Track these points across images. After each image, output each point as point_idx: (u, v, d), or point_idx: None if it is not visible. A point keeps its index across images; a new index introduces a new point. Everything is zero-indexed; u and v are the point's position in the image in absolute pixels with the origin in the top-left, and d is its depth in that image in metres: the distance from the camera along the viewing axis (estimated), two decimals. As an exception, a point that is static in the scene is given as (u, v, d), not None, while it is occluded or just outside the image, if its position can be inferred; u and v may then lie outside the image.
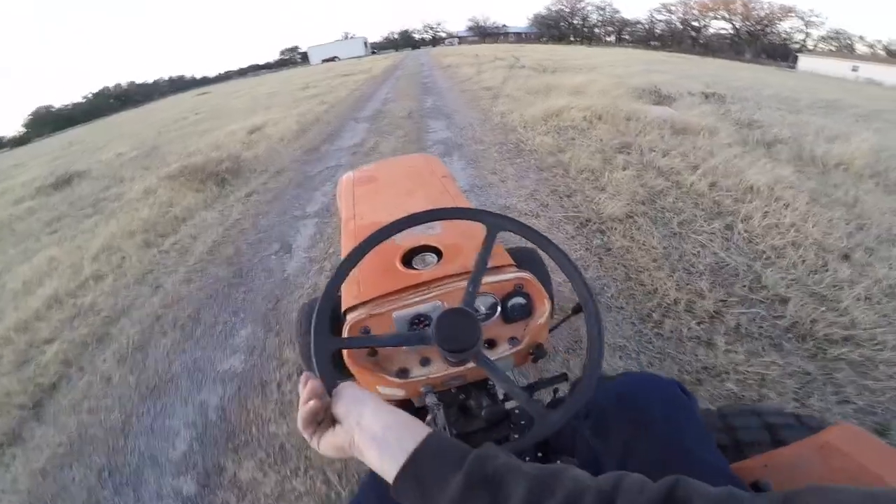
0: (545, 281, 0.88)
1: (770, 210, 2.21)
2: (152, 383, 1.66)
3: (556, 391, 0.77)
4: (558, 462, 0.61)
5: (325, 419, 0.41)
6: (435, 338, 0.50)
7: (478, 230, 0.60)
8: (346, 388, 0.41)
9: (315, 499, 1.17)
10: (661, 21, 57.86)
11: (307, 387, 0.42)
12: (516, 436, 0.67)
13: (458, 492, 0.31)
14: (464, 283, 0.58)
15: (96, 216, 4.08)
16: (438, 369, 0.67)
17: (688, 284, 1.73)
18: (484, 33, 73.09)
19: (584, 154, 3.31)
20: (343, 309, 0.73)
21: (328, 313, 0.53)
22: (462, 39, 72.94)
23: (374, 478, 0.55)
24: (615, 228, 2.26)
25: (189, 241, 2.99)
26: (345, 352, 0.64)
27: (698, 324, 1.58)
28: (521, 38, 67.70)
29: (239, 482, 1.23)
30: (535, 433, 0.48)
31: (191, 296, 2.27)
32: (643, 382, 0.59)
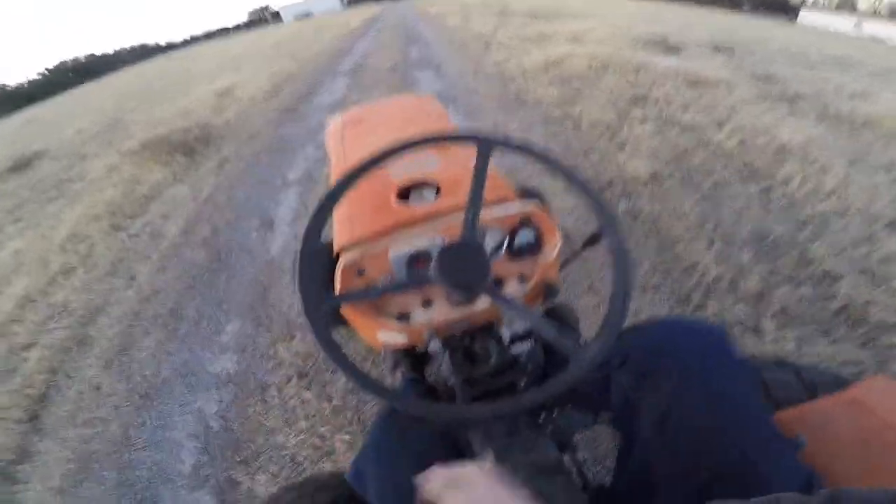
0: None
1: (808, 173, 2.03)
2: (143, 390, 1.56)
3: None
4: (591, 416, 0.59)
5: None
6: (438, 276, 0.45)
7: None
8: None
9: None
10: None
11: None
12: (522, 383, 0.64)
13: None
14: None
15: (60, 199, 3.80)
16: (442, 312, 0.63)
17: (729, 258, 1.58)
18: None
19: (595, 107, 3.06)
20: (335, 251, 0.67)
21: (311, 266, 0.47)
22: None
23: (387, 416, 0.55)
24: (641, 191, 2.06)
25: (160, 221, 2.72)
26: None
27: (743, 305, 1.43)
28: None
29: (256, 497, 1.17)
30: (571, 373, 0.43)
31: (168, 287, 2.08)
32: (689, 329, 0.53)
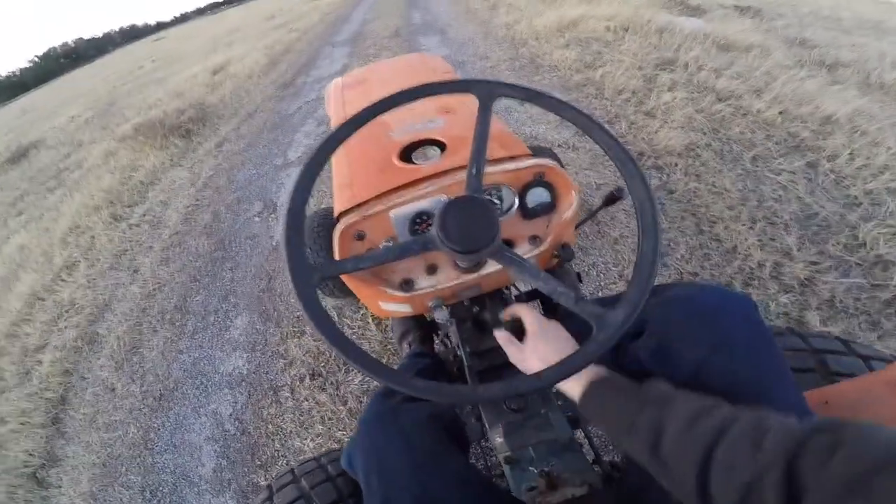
0: None
1: (858, 147, 1.84)
2: (157, 392, 1.55)
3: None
4: None
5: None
6: (441, 237, 0.40)
7: None
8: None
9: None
10: None
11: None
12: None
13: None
14: None
15: (59, 189, 3.83)
16: (448, 278, 0.59)
17: (772, 240, 1.46)
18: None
19: (619, 71, 2.84)
20: (335, 215, 0.63)
21: (299, 230, 0.41)
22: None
23: (382, 396, 0.53)
24: (675, 164, 1.88)
25: (160, 209, 2.65)
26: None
27: (787, 294, 1.30)
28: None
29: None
30: (597, 343, 0.37)
31: (173, 280, 2.02)
32: (719, 296, 0.48)
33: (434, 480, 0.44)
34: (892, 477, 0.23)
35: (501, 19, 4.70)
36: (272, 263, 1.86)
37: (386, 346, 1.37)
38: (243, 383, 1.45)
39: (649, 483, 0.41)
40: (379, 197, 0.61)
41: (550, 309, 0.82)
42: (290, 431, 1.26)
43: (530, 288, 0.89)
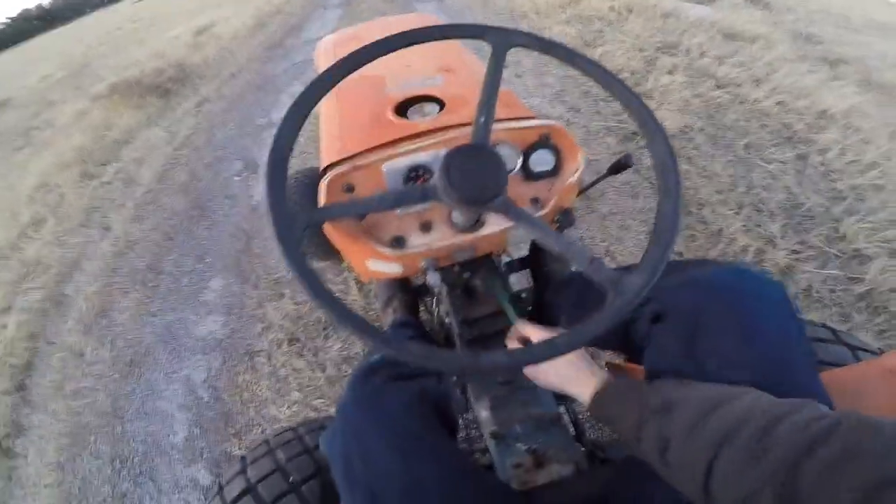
0: None
1: (849, 143, 1.89)
2: (128, 357, 1.49)
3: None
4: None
5: None
6: (444, 185, 0.37)
7: None
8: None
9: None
10: None
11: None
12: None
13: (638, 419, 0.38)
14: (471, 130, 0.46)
15: (27, 148, 3.65)
16: (442, 237, 0.57)
17: (757, 226, 1.50)
18: None
19: (620, 51, 2.82)
20: (322, 167, 0.60)
21: (283, 172, 0.37)
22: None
23: (365, 370, 0.51)
24: (628, 154, 1.88)
25: (134, 167, 2.51)
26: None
27: None
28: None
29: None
30: (615, 307, 0.34)
31: (146, 238, 1.93)
32: (754, 282, 0.44)
33: (422, 467, 0.42)
34: None
35: (500, -9, 4.57)
36: (251, 223, 1.78)
37: (368, 312, 1.32)
38: (218, 348, 1.40)
39: (634, 468, 0.41)
40: (371, 150, 0.57)
41: (541, 282, 0.81)
42: (266, 399, 1.23)
43: (522, 256, 0.87)
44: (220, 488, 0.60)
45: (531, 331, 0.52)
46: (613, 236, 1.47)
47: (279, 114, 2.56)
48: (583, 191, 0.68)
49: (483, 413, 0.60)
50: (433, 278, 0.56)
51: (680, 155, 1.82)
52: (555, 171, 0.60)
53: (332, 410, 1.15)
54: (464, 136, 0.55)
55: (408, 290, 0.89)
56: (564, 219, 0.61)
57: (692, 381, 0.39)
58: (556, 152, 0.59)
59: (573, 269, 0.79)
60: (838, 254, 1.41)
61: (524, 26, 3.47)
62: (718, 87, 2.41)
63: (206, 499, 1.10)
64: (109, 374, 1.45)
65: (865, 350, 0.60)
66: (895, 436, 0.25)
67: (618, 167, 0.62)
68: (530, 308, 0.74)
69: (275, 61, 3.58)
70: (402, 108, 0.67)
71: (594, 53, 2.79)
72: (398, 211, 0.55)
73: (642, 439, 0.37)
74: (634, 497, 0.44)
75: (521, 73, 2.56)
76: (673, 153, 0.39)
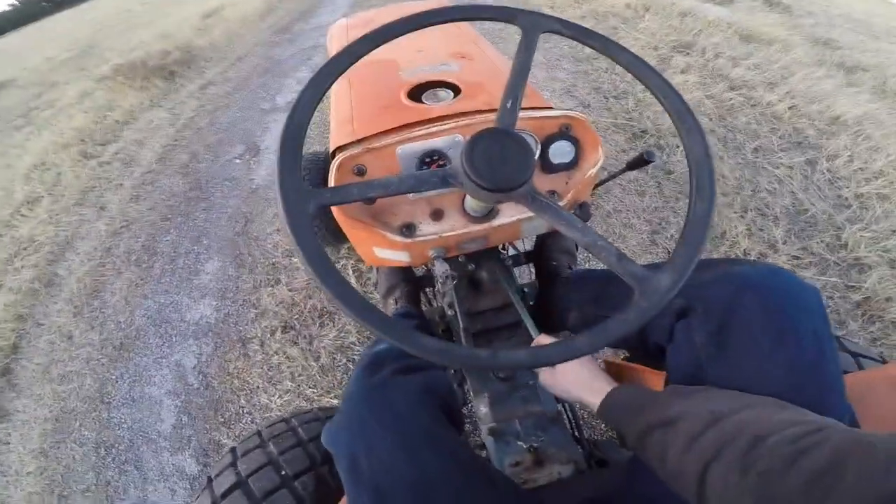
0: None
1: (858, 150, 1.89)
2: (117, 341, 1.46)
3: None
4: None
5: None
6: (467, 170, 0.35)
7: (504, 69, 0.57)
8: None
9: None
10: None
11: None
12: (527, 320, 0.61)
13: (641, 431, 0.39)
14: (489, 118, 0.50)
15: (27, 128, 3.60)
16: (454, 226, 0.54)
17: (761, 231, 1.49)
18: None
19: (634, 48, 2.85)
20: (331, 150, 0.59)
21: (297, 150, 0.35)
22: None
23: (368, 366, 0.50)
24: (677, 146, 1.87)
25: (134, 148, 2.48)
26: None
27: None
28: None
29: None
30: (640, 308, 0.33)
31: (142, 218, 1.89)
32: (791, 283, 0.42)
33: (430, 464, 0.41)
34: None
35: (514, -15, 4.53)
36: (250, 206, 1.74)
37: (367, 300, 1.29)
38: (210, 333, 1.36)
39: (643, 471, 0.41)
40: (385, 133, 0.57)
41: (545, 276, 0.79)
42: (257, 387, 1.20)
43: (528, 249, 0.85)
44: (210, 481, 0.57)
45: (547, 342, 0.52)
46: (617, 234, 1.45)
47: (284, 98, 2.54)
48: (599, 184, 0.66)
49: (482, 408, 0.59)
50: (441, 268, 0.55)
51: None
52: (573, 164, 0.58)
53: (325, 400, 1.12)
54: (481, 123, 0.54)
55: (410, 280, 0.86)
56: (581, 213, 0.59)
57: (708, 388, 0.39)
58: (576, 144, 0.57)
59: (567, 268, 0.78)
60: (838, 262, 1.40)
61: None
62: (731, 88, 2.40)
63: (191, 488, 1.07)
64: (98, 358, 1.41)
65: (867, 357, 0.59)
66: (887, 455, 0.24)
67: (639, 162, 0.60)
68: (532, 302, 0.73)
69: (282, 46, 3.54)
70: (416, 93, 0.66)
71: (609, 51, 2.82)
72: (410, 196, 0.54)
73: (646, 447, 0.38)
74: (643, 500, 0.44)
75: (532, 66, 2.56)
76: (710, 151, 0.38)
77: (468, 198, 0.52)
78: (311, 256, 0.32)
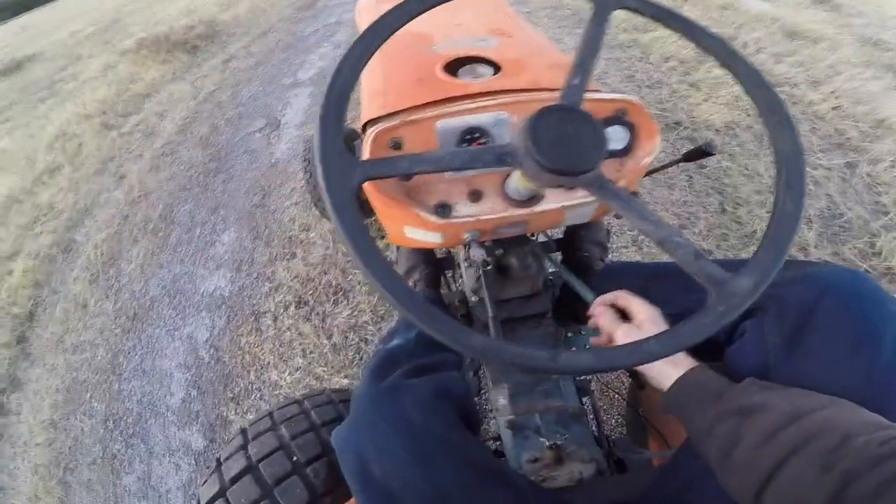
0: None
1: None
2: (132, 311, 1.45)
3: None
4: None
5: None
6: (529, 147, 0.31)
7: (547, 49, 0.57)
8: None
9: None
10: None
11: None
12: (550, 314, 0.61)
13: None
14: (536, 97, 0.49)
15: (51, 99, 3.68)
16: (493, 209, 0.50)
17: None
18: None
19: (672, 38, 2.73)
20: (362, 123, 0.56)
21: (341, 117, 0.33)
22: None
23: (384, 360, 0.50)
24: (711, 140, 1.78)
25: (155, 119, 2.49)
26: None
27: None
28: None
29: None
30: (717, 313, 0.30)
31: (160, 188, 1.89)
32: (869, 287, 0.40)
33: (445, 473, 0.40)
34: None
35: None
36: (269, 179, 1.72)
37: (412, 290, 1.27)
38: (223, 306, 1.35)
39: (673, 476, 0.40)
40: (422, 106, 0.54)
41: (573, 267, 0.75)
42: (268, 363, 1.18)
43: (558, 237, 0.81)
44: (219, 464, 0.54)
45: (628, 299, 0.49)
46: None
47: (306, 74, 2.51)
48: (649, 173, 0.63)
49: (500, 399, 0.57)
50: (476, 252, 0.51)
51: (723, 151, 1.73)
52: (626, 150, 0.55)
53: (335, 380, 1.09)
54: (528, 101, 0.52)
55: (430, 262, 0.83)
56: None
57: (781, 386, 0.37)
58: (632, 130, 0.54)
59: (599, 260, 0.75)
60: (870, 270, 1.34)
61: (569, 3, 3.30)
62: (773, 85, 2.34)
63: (195, 464, 1.05)
64: (111, 328, 1.42)
65: None
66: None
67: (697, 153, 0.56)
68: (561, 296, 0.70)
69: (306, 22, 3.50)
70: (453, 68, 0.63)
71: (643, 39, 2.66)
72: (447, 175, 0.51)
73: (712, 436, 0.37)
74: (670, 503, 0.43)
75: (565, 51, 2.49)
76: (801, 146, 0.36)
77: (511, 180, 0.48)
78: (353, 236, 0.29)
